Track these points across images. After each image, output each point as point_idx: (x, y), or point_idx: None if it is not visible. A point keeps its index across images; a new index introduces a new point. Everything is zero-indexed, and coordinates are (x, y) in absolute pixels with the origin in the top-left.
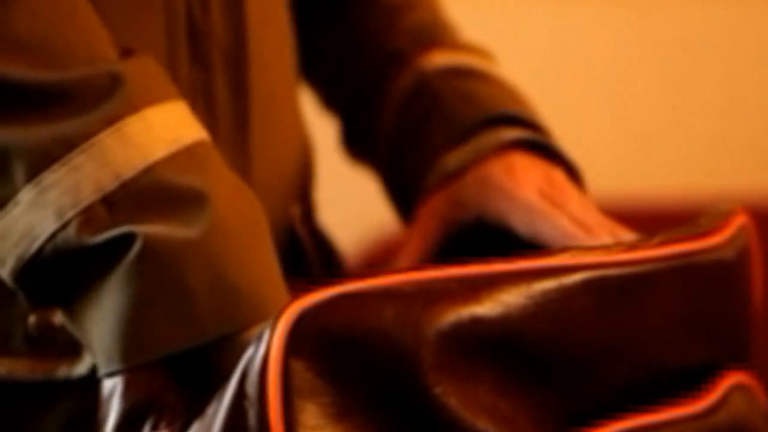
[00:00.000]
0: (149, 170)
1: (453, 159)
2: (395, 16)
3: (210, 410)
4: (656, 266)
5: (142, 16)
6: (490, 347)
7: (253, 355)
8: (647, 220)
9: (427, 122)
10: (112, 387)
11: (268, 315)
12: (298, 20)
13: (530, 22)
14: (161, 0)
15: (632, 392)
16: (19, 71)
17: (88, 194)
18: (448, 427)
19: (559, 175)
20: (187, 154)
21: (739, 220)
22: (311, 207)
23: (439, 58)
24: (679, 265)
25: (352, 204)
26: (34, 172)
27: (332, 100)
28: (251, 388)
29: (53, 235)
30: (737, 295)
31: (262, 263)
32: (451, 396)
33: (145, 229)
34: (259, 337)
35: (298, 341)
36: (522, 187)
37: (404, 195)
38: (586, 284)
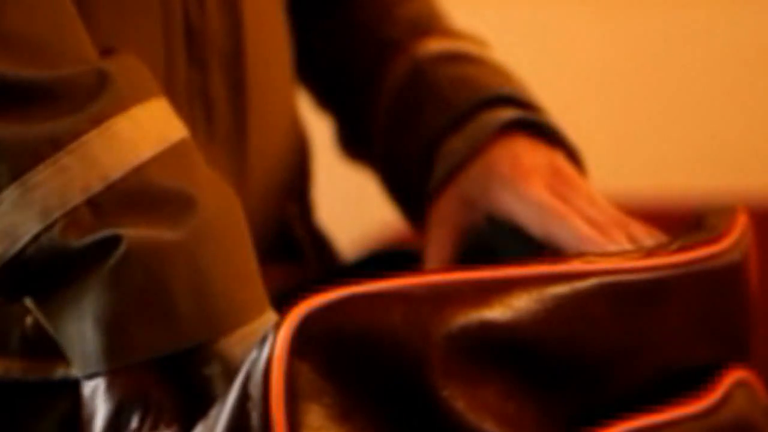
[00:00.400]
0: (137, 171)
1: (454, 146)
2: (391, 9)
3: (213, 411)
4: (672, 272)
5: (140, 16)
6: (499, 351)
7: (257, 357)
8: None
9: (422, 107)
10: (94, 387)
11: (247, 320)
12: (293, 19)
13: (526, 21)
14: (158, 1)
15: (638, 393)
16: (9, 68)
17: (75, 195)
18: (455, 429)
19: (562, 162)
20: (174, 154)
21: (742, 221)
22: (308, 206)
23: (433, 45)
24: (694, 271)
25: (351, 204)
26: (19, 171)
27: (327, 99)
28: (255, 389)
29: (37, 236)
30: (740, 294)
31: (244, 267)
32: (458, 399)
33: (130, 231)
34: (264, 339)
35: (302, 342)
36: (530, 182)
37: (403, 186)
38: (600, 289)
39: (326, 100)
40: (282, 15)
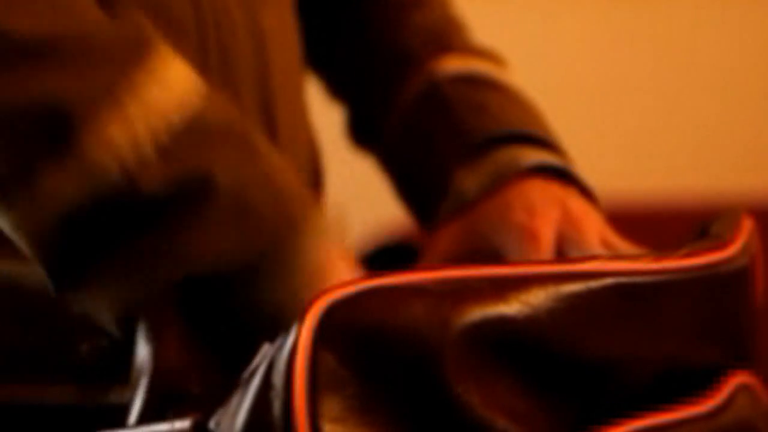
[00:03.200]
0: (193, 112)
1: (469, 180)
2: (405, 14)
3: (235, 399)
4: (680, 276)
5: (176, 39)
6: (513, 347)
7: (280, 346)
8: (644, 221)
9: (438, 130)
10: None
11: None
12: (305, 15)
13: (527, 20)
14: (193, 25)
15: (646, 392)
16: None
17: (144, 142)
18: (468, 425)
19: (575, 203)
20: (211, 95)
21: (748, 226)
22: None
23: (451, 64)
24: (701, 275)
25: (356, 204)
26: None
27: (341, 93)
28: (278, 378)
29: (114, 187)
30: (745, 299)
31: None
32: (472, 394)
33: (215, 169)
34: (287, 328)
35: (326, 333)
36: (543, 231)
37: (414, 198)
38: (613, 289)
39: (339, 94)
40: (294, 25)
